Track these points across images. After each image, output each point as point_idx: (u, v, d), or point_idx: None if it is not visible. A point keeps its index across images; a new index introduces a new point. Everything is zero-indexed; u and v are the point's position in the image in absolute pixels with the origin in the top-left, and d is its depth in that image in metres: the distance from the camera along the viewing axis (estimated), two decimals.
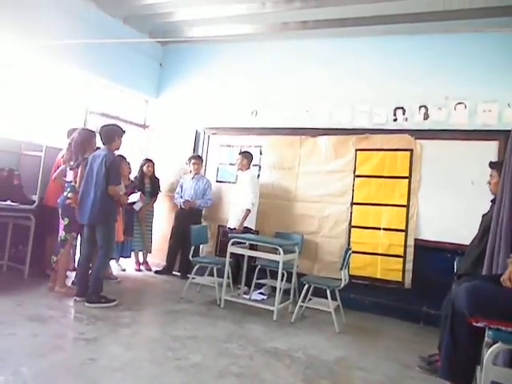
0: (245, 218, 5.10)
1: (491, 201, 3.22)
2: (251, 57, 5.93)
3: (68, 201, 4.12)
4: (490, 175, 3.29)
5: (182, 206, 5.65)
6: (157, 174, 5.94)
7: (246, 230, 5.11)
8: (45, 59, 5.02)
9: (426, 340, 4.00)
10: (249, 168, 5.35)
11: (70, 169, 4.19)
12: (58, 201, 4.22)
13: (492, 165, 3.30)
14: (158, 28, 6.02)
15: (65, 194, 4.17)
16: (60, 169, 4.37)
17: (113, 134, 4.12)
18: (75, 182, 4.14)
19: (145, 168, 5.79)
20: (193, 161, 5.75)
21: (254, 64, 5.88)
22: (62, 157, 4.44)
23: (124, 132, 4.23)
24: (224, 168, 5.95)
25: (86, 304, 3.90)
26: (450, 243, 4.57)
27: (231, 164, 5.81)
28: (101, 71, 5.64)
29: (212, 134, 6.11)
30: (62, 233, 4.18)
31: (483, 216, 3.23)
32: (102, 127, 4.17)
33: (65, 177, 4.27)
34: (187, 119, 6.26)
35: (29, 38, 4.51)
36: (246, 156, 5.34)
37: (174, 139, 6.31)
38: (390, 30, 4.93)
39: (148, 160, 5.88)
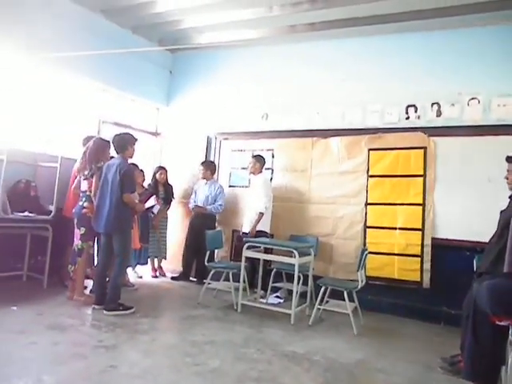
0: (258, 221, 5.10)
1: (509, 197, 3.15)
2: (260, 61, 5.94)
3: (84, 210, 4.17)
4: (508, 170, 3.21)
5: (192, 212, 5.71)
6: (170, 181, 5.98)
7: (261, 233, 5.11)
8: (57, 71, 5.11)
9: (448, 340, 3.91)
10: (261, 172, 5.35)
11: (85, 179, 4.25)
12: (74, 210, 4.28)
13: (509, 159, 3.22)
14: (166, 36, 6.08)
15: (80, 203, 4.23)
16: (77, 180, 4.43)
17: (125, 142, 4.15)
18: (90, 192, 4.19)
19: (158, 175, 5.83)
20: (200, 167, 5.78)
21: (263, 68, 5.90)
22: None
23: (136, 140, 4.26)
24: (236, 173, 5.96)
25: (105, 312, 3.93)
26: (468, 241, 4.49)
27: (243, 168, 5.82)
28: (112, 81, 5.73)
29: (223, 139, 6.13)
30: (77, 242, 4.23)
31: (501, 212, 3.16)
32: (115, 136, 4.22)
33: (79, 187, 4.33)
34: (198, 125, 6.30)
35: (40, 51, 4.60)
36: (259, 160, 5.34)
37: (186, 146, 6.35)
38: (400, 27, 4.89)
39: (161, 167, 5.93)
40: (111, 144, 4.26)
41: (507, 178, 3.21)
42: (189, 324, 3.91)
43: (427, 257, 4.69)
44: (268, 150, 5.73)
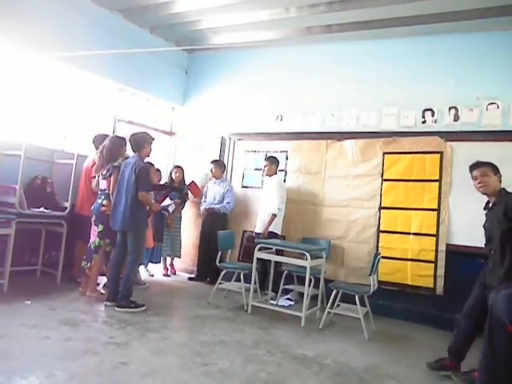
0: (270, 222, 5.09)
1: (484, 207, 3.14)
2: (276, 62, 5.93)
3: (103, 208, 4.22)
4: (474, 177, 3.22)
5: (201, 211, 5.78)
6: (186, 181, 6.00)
7: (272, 235, 5.10)
8: (74, 69, 5.17)
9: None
10: (276, 173, 5.34)
11: (103, 178, 4.30)
12: (92, 208, 4.32)
13: (471, 169, 3.22)
14: (183, 36, 6.12)
15: (99, 201, 4.27)
16: (95, 179, 4.49)
17: (142, 141, 4.20)
18: (109, 190, 4.23)
19: (173, 174, 5.87)
20: (210, 165, 5.81)
21: (278, 69, 5.88)
22: (93, 165, 4.57)
23: (153, 139, 4.30)
24: (250, 173, 5.96)
25: (116, 308, 3.97)
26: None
27: (257, 169, 5.82)
28: (128, 80, 5.78)
29: (238, 139, 6.14)
30: (93, 239, 4.27)
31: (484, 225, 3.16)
32: (132, 135, 4.26)
33: (98, 185, 4.39)
34: (213, 125, 6.31)
35: (59, 49, 4.66)
36: (273, 161, 5.34)
37: (200, 146, 6.37)
38: (418, 30, 4.84)
39: (177, 166, 5.96)
40: (127, 142, 4.31)
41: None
42: (199, 324, 3.92)
43: (441, 263, 4.62)
44: (282, 151, 5.72)
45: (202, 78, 6.56)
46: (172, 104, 6.68)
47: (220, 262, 4.82)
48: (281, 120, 5.81)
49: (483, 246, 3.25)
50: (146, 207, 4.16)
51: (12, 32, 4.43)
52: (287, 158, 5.68)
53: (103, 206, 4.22)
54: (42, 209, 4.55)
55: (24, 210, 4.33)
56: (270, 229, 5.12)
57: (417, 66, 5.00)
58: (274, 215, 5.08)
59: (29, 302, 3.86)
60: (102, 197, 4.26)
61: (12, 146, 4.33)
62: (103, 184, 4.30)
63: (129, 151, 4.42)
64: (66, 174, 4.75)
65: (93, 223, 4.29)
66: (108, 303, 4.06)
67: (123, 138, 4.43)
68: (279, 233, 5.21)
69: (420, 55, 5.01)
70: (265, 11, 5.02)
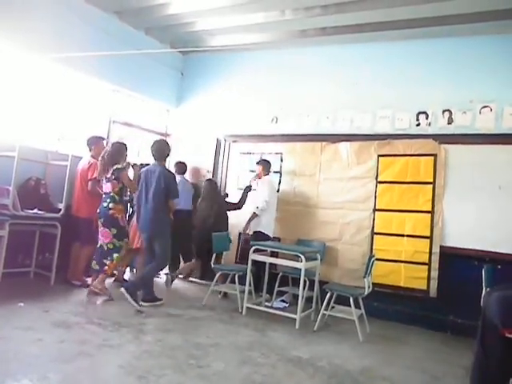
0: (249, 221, 5.13)
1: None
2: (271, 64, 5.94)
3: (111, 211, 4.32)
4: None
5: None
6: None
7: (261, 235, 5.06)
8: (69, 70, 5.14)
9: (456, 351, 3.89)
10: (267, 174, 5.34)
11: (107, 181, 4.36)
12: (98, 211, 4.39)
13: (258, 163, 3.26)
14: (179, 38, 6.12)
15: (104, 204, 4.35)
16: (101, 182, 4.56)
17: (165, 151, 4.45)
18: (114, 193, 4.34)
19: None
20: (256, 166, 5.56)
21: (273, 71, 5.90)
22: (89, 167, 4.65)
23: (170, 149, 4.55)
24: (245, 175, 5.96)
25: (144, 304, 4.22)
26: (477, 250, 4.45)
27: (252, 171, 5.82)
28: (124, 82, 5.76)
29: (233, 141, 6.14)
30: (106, 241, 4.35)
31: None
32: (154, 143, 4.49)
33: (101, 188, 4.48)
34: (208, 127, 6.31)
35: (53, 50, 4.64)
36: (263, 164, 5.35)
37: (195, 147, 6.36)
38: (412, 34, 4.87)
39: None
40: (127, 147, 4.52)
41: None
42: (194, 325, 3.91)
43: (435, 265, 4.65)
44: (277, 153, 5.73)
45: (197, 79, 6.56)
46: (167, 106, 6.67)
47: (215, 263, 4.82)
48: (276, 122, 5.82)
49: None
50: (168, 213, 4.37)
51: (7, 33, 4.40)
52: (282, 160, 5.69)
53: (110, 209, 4.32)
54: (35, 210, 4.52)
55: (18, 212, 4.30)
56: (259, 229, 5.11)
57: (411, 68, 5.04)
58: (254, 214, 5.10)
59: (22, 304, 3.83)
60: (108, 200, 4.34)
61: (6, 148, 4.31)
62: (107, 187, 4.38)
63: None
64: (60, 176, 4.73)
65: (101, 226, 4.37)
66: (144, 304, 4.24)
67: (124, 144, 4.56)
68: (270, 234, 5.19)
69: (414, 58, 5.05)
70: (260, 13, 5.04)
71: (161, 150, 4.42)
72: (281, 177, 5.68)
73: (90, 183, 4.69)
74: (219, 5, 4.89)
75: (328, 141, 5.41)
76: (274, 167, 5.57)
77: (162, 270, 4.70)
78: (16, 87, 4.75)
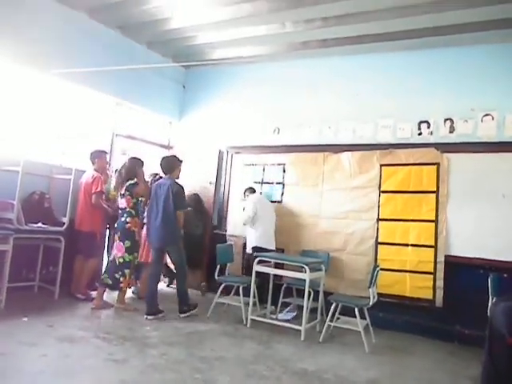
0: None
1: None
2: (272, 76, 5.99)
3: (128, 225, 4.47)
4: None
5: None
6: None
7: (258, 250, 4.95)
8: (73, 85, 5.19)
9: (463, 361, 3.84)
10: (253, 193, 5.47)
11: (122, 197, 4.49)
12: (116, 225, 4.55)
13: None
14: (180, 51, 6.18)
15: (122, 219, 4.50)
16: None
17: (173, 164, 4.63)
18: (130, 208, 4.49)
19: None
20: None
21: (275, 83, 5.94)
22: (93, 181, 4.72)
23: (181, 162, 4.75)
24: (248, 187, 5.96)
25: (181, 315, 4.43)
26: (482, 259, 4.42)
27: (255, 182, 5.85)
28: (126, 95, 5.81)
29: (235, 153, 6.17)
30: (120, 254, 4.45)
31: None
32: (163, 159, 4.73)
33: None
34: (210, 139, 6.35)
35: (57, 66, 4.69)
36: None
37: (198, 159, 6.38)
38: (413, 44, 4.91)
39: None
40: (143, 162, 4.70)
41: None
42: (198, 338, 3.88)
43: (440, 274, 4.62)
44: (279, 164, 5.75)
45: (199, 92, 6.61)
46: (169, 118, 6.72)
47: (219, 275, 4.81)
48: (278, 133, 5.85)
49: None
50: (180, 225, 4.53)
51: (10, 48, 4.46)
52: (284, 171, 5.71)
53: (127, 223, 4.47)
54: (39, 224, 4.53)
55: (22, 226, 4.31)
56: (255, 244, 5.12)
57: (411, 78, 5.06)
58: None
59: (26, 319, 3.82)
60: (125, 215, 4.50)
61: (10, 162, 4.34)
62: (123, 203, 4.53)
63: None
64: (64, 189, 4.75)
65: (117, 239, 4.50)
66: (149, 317, 4.30)
67: (140, 159, 4.71)
68: (269, 247, 5.14)
69: (414, 68, 5.08)
70: (261, 26, 5.10)
71: (168, 164, 4.63)
72: (283, 188, 5.69)
73: (93, 196, 4.72)
74: (220, 18, 4.95)
75: (330, 151, 5.42)
76: (277, 178, 5.63)
77: (186, 278, 4.68)
78: (19, 101, 4.79)
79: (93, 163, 4.95)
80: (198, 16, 5.00)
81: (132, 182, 4.52)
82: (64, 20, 4.92)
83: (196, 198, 6.12)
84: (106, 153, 5.17)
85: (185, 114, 6.72)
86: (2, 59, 4.50)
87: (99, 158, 4.95)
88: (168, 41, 5.85)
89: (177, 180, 4.64)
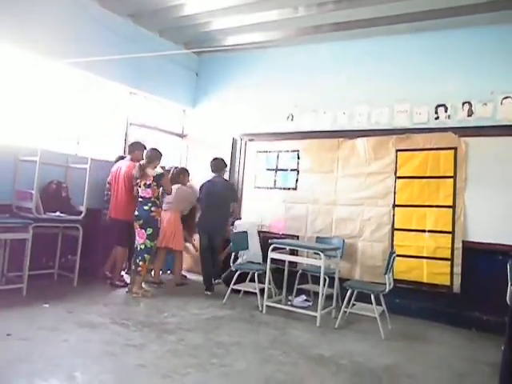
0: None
1: None
2: (285, 61, 5.92)
3: (152, 214, 4.63)
4: None
5: None
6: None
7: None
8: (86, 74, 5.23)
9: (482, 348, 3.80)
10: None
11: (148, 187, 4.60)
12: (137, 213, 4.62)
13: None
14: (193, 39, 6.15)
15: (146, 208, 4.61)
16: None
17: (222, 165, 5.31)
18: (155, 198, 4.65)
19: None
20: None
21: (288, 68, 5.87)
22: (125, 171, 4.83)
23: (226, 166, 5.47)
24: (261, 174, 5.96)
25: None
26: (501, 244, 4.35)
27: (268, 169, 5.83)
28: (140, 84, 5.83)
29: (249, 140, 6.14)
30: (140, 241, 4.61)
31: None
32: (213, 160, 5.31)
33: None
34: (224, 127, 6.33)
35: (70, 55, 4.73)
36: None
37: (212, 147, 6.37)
38: (429, 25, 4.78)
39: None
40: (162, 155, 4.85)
41: None
42: (215, 324, 3.93)
43: (458, 260, 4.56)
44: (293, 150, 5.71)
45: (212, 79, 6.58)
46: (183, 106, 6.71)
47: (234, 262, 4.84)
48: (292, 119, 5.80)
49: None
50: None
51: (24, 38, 4.50)
52: (299, 158, 5.66)
53: (152, 211, 4.62)
54: (57, 213, 4.61)
55: (40, 215, 4.40)
56: None
57: (428, 61, 4.94)
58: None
59: (47, 305, 3.92)
60: (149, 204, 4.62)
61: (28, 152, 4.41)
62: (148, 193, 4.63)
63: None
64: (81, 178, 4.81)
65: (138, 227, 4.62)
66: (209, 293, 4.97)
67: (158, 150, 4.81)
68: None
69: (430, 50, 4.95)
70: (273, 11, 5.02)
71: (219, 164, 5.29)
72: (298, 174, 5.65)
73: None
74: (232, 4, 4.89)
75: (345, 137, 5.36)
76: (291, 165, 5.62)
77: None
78: (35, 92, 4.85)
79: (130, 153, 5.01)
80: (210, 2, 4.95)
81: (158, 172, 4.66)
82: (76, 10, 4.92)
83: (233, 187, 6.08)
84: (145, 146, 5.13)
85: (198, 102, 6.71)
86: (16, 49, 4.54)
87: (139, 149, 5.00)
88: (180, 28, 5.81)
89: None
